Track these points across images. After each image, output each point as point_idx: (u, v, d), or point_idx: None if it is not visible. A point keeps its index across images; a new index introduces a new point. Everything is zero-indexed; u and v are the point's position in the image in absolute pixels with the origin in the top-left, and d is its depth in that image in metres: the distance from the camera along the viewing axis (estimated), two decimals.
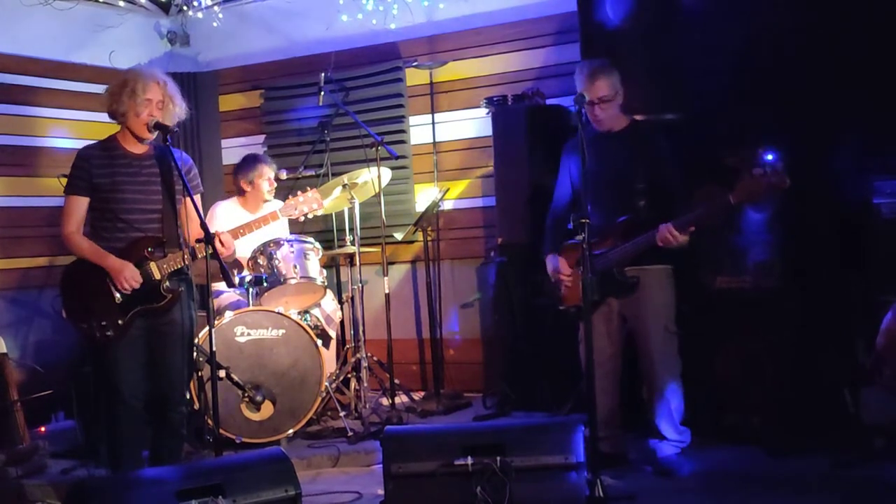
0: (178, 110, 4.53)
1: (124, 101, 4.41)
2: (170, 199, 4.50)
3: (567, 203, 5.00)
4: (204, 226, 4.27)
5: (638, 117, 5.01)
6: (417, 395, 6.63)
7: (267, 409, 5.49)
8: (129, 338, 4.42)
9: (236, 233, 4.76)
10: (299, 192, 5.18)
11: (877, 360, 4.38)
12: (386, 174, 6.27)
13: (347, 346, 6.67)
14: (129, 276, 4.38)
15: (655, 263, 4.74)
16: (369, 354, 6.15)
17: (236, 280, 5.64)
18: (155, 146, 4.53)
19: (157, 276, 4.43)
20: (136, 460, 4.51)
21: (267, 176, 6.28)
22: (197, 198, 4.55)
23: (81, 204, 4.47)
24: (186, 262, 4.46)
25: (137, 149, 4.52)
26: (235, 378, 5.32)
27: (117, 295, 4.40)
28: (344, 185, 6.08)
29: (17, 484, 5.02)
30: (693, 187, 4.77)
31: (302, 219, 5.27)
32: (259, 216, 5.01)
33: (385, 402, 6.27)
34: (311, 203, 5.15)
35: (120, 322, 4.39)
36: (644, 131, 4.90)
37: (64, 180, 4.57)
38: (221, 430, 5.00)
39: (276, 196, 6.40)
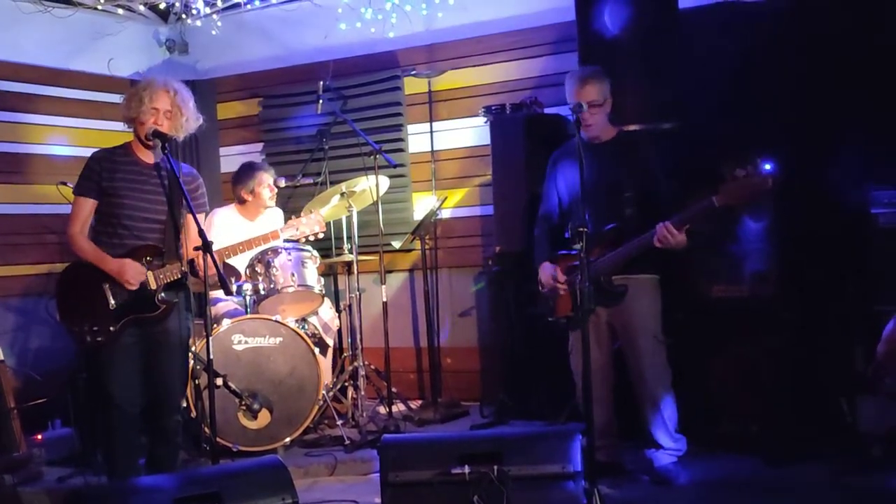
0: (188, 121, 4.52)
1: (133, 108, 4.43)
2: (174, 210, 4.50)
3: (556, 212, 5.00)
4: (202, 234, 4.26)
5: (632, 127, 5.02)
6: (415, 404, 6.63)
7: (264, 417, 5.48)
8: (122, 344, 4.43)
9: (235, 249, 4.75)
10: (303, 214, 5.19)
11: (877, 369, 4.38)
12: (384, 182, 6.27)
13: (345, 354, 6.67)
14: (131, 275, 4.38)
15: (642, 273, 4.75)
16: (367, 363, 6.15)
17: (234, 288, 5.64)
18: (166, 157, 4.53)
19: (153, 286, 4.43)
20: (131, 466, 4.51)
21: (267, 183, 6.28)
22: (200, 216, 4.55)
23: (88, 206, 4.49)
24: (183, 274, 4.46)
25: (148, 158, 4.53)
26: (232, 386, 5.32)
27: (111, 301, 4.41)
28: (342, 194, 6.09)
29: (13, 492, 5.00)
30: (689, 196, 4.77)
31: (303, 240, 5.28)
32: (260, 234, 5.00)
33: (382, 410, 6.26)
34: (312, 226, 5.17)
35: (111, 328, 4.39)
36: (631, 141, 4.92)
37: (63, 188, 4.58)
38: (218, 438, 4.98)
39: (276, 203, 6.41)
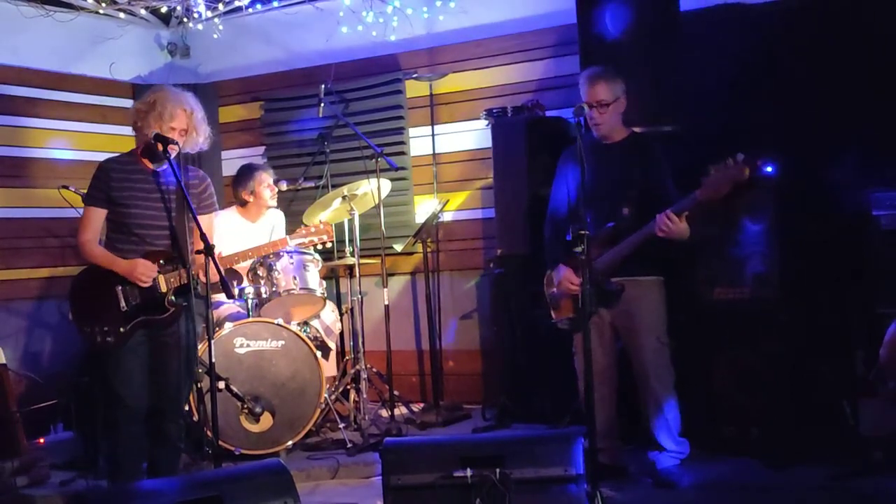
0: (200, 140, 4.57)
1: (150, 123, 4.44)
2: (183, 215, 4.52)
3: (565, 211, 4.99)
4: (204, 237, 4.27)
5: (637, 129, 5.02)
6: (417, 407, 6.63)
7: (266, 420, 5.48)
8: (131, 346, 4.46)
9: (245, 255, 4.78)
10: (312, 225, 5.22)
11: (879, 373, 4.38)
12: (386, 185, 6.28)
13: (347, 357, 6.67)
14: (142, 271, 4.42)
15: (647, 275, 4.75)
16: (369, 366, 6.15)
17: (236, 291, 5.64)
18: (173, 163, 4.54)
19: (164, 288, 4.47)
20: (135, 470, 4.53)
21: (267, 182, 6.29)
22: (211, 216, 4.60)
23: (98, 215, 4.52)
24: (194, 278, 4.47)
25: (156, 164, 4.54)
26: (235, 389, 5.33)
27: (123, 303, 4.45)
28: (344, 197, 6.10)
29: (23, 495, 5.01)
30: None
31: (311, 249, 5.32)
32: (269, 241, 5.05)
33: (384, 413, 6.27)
34: (321, 235, 5.23)
35: (122, 330, 4.43)
36: (642, 143, 4.91)
37: (65, 192, 4.59)
38: (220, 442, 5.00)
39: (277, 205, 6.42)
